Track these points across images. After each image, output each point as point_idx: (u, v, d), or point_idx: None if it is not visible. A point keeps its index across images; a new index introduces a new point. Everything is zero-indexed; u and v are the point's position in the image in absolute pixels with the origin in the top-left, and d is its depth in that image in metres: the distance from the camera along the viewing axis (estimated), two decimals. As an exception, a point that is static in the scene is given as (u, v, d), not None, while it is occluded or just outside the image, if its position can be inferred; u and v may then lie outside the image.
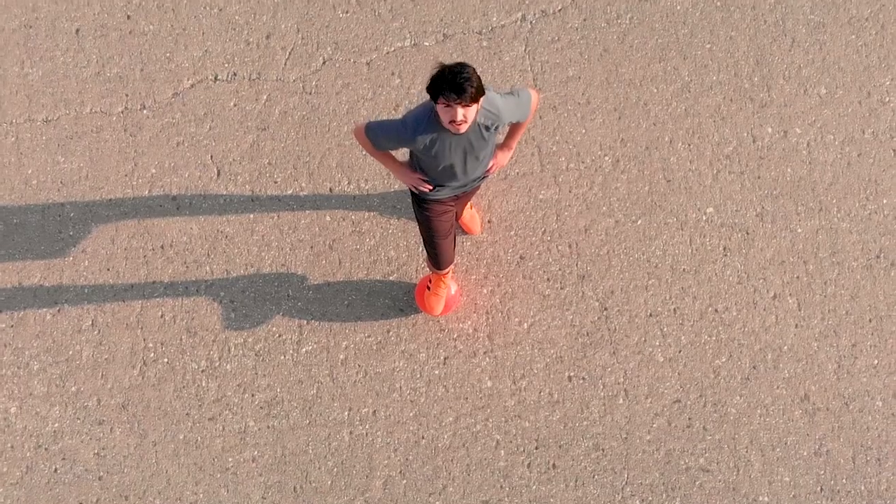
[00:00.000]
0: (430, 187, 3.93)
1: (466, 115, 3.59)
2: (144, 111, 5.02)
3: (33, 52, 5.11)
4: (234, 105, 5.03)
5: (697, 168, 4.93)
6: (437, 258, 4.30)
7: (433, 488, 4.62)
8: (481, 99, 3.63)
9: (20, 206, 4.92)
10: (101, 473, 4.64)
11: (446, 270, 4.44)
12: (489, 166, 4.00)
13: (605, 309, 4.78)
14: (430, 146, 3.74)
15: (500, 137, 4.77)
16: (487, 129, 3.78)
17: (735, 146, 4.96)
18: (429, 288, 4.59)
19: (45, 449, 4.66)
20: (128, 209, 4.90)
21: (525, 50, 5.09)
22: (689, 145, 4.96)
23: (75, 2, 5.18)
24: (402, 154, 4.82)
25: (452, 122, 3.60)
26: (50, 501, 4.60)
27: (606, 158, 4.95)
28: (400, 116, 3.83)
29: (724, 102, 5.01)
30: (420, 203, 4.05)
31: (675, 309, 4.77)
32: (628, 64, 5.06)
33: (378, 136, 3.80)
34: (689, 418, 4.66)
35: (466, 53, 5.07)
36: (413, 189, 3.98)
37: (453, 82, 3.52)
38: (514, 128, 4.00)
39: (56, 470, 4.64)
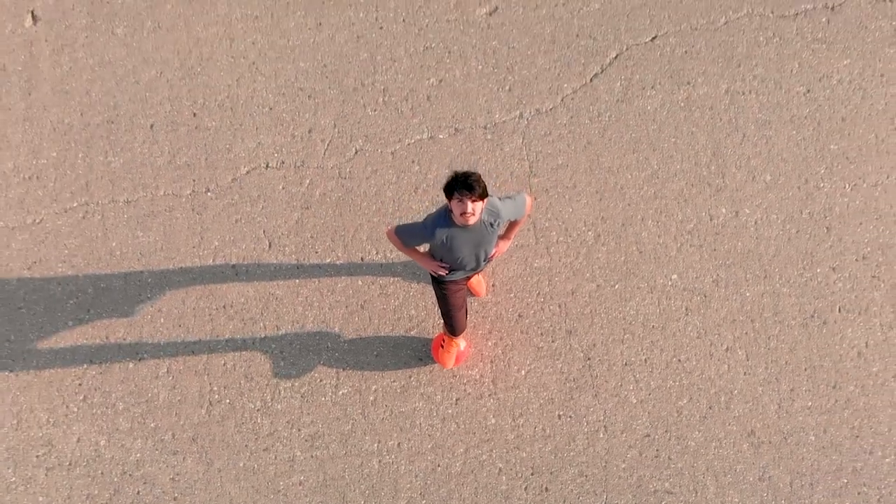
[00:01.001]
0: (447, 271, 4.96)
1: (474, 209, 4.60)
2: (209, 193, 6.07)
3: (115, 144, 6.16)
4: (282, 188, 6.08)
5: (664, 241, 5.98)
6: (452, 327, 5.34)
7: (447, 507, 5.66)
8: (485, 200, 4.65)
9: (106, 273, 5.96)
10: (176, 495, 5.66)
11: (460, 338, 5.47)
12: (492, 253, 5.04)
13: (589, 359, 5.82)
14: (447, 242, 4.77)
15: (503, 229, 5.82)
16: (491, 225, 4.81)
17: (695, 223, 6.01)
18: (442, 346, 5.63)
19: (129, 475, 5.69)
20: (195, 275, 5.95)
21: (522, 142, 6.14)
22: (658, 222, 6.01)
23: (149, 101, 6.24)
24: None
25: (463, 213, 4.60)
26: (132, 517, 5.63)
27: (589, 233, 6.00)
28: (420, 220, 4.84)
29: (687, 187, 6.07)
30: (439, 283, 5.10)
31: (645, 359, 5.81)
32: (608, 154, 6.12)
33: (405, 237, 4.83)
34: (657, 450, 5.69)
35: (474, 144, 6.12)
36: (433, 273, 5.02)
37: (464, 182, 4.54)
38: (512, 224, 5.04)
39: (139, 492, 5.67)
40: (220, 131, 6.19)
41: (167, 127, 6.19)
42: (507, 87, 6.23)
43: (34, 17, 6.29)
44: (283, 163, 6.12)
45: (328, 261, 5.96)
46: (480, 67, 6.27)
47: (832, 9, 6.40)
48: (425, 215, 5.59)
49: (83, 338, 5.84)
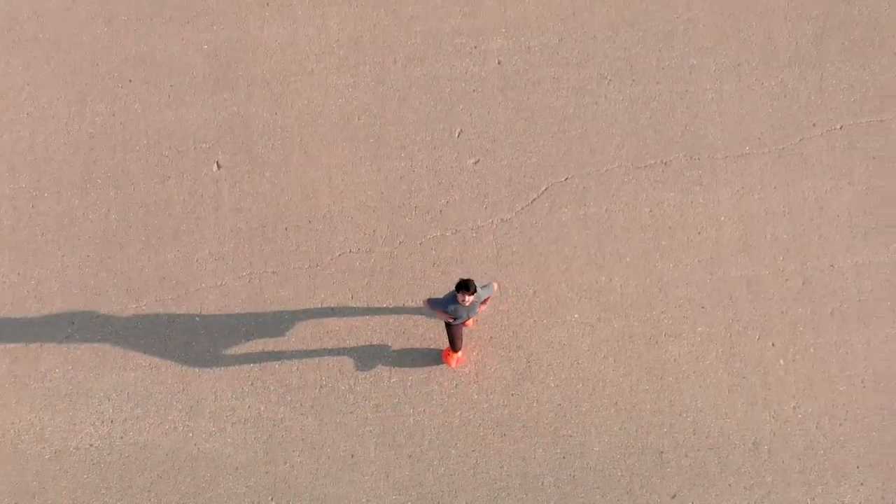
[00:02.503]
0: (453, 319, 9.69)
1: (469, 299, 9.28)
2: (317, 267, 10.80)
3: (269, 241, 10.89)
4: (359, 264, 10.80)
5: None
6: (454, 346, 10.09)
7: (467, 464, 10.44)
8: (475, 293, 9.36)
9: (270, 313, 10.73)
10: (304, 437, 10.46)
11: (460, 355, 10.25)
12: (477, 312, 9.78)
13: (529, 362, 10.55)
14: (455, 310, 9.47)
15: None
16: (475, 300, 9.53)
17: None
18: (448, 355, 10.40)
19: (276, 425, 10.50)
20: (313, 326, 10.72)
21: (493, 238, 10.84)
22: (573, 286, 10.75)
23: (286, 210, 10.95)
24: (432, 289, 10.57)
25: (463, 300, 9.30)
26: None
27: (530, 290, 10.70)
28: (442, 297, 9.54)
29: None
30: (448, 325, 9.84)
31: (565, 365, 10.58)
32: (542, 240, 10.82)
33: (433, 304, 9.54)
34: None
35: (466, 240, 10.79)
36: (446, 320, 9.75)
37: (465, 286, 9.23)
38: (486, 299, 9.76)
39: (282, 436, 10.48)
40: (323, 232, 10.91)
41: (302, 228, 10.89)
42: (485, 206, 10.93)
43: (218, 165, 10.99)
44: (366, 250, 10.83)
45: (389, 305, 10.68)
46: (469, 194, 10.96)
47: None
48: (445, 292, 10.29)
49: (253, 349, 10.61)
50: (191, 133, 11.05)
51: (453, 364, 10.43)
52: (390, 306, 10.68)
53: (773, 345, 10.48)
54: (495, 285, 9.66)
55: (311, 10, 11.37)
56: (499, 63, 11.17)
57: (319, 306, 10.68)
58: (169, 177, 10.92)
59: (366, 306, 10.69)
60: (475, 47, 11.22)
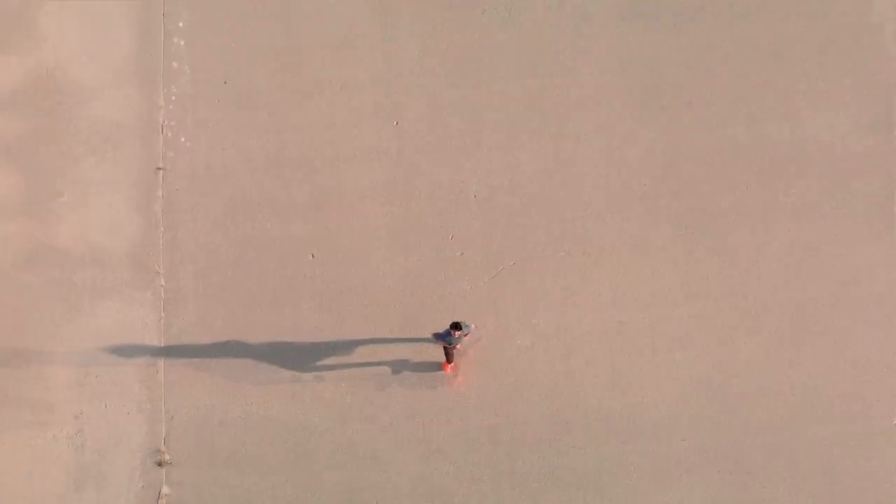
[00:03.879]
0: (448, 344, 16.92)
1: (459, 333, 16.56)
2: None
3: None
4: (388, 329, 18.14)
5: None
6: (449, 361, 17.31)
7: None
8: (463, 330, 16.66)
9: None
10: (349, 434, 17.63)
11: (453, 364, 17.51)
12: (462, 340, 17.02)
13: (503, 374, 17.76)
14: (450, 339, 16.66)
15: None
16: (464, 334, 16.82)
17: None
18: (445, 366, 17.66)
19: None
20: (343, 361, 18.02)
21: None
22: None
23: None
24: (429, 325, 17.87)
25: (454, 334, 16.51)
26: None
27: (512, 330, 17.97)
28: (442, 331, 16.76)
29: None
30: (445, 348, 17.10)
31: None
32: (499, 307, 18.13)
33: (437, 336, 16.77)
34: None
35: (455, 306, 18.04)
36: (444, 345, 17.00)
37: (456, 325, 16.48)
38: (467, 333, 17.03)
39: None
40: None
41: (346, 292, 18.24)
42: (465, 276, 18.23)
43: (313, 255, 18.33)
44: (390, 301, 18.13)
45: (407, 335, 17.91)
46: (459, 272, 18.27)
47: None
48: (445, 328, 17.37)
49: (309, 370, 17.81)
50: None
51: (448, 370, 17.60)
52: (408, 336, 17.82)
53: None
54: (472, 325, 16.94)
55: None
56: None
57: (348, 339, 17.85)
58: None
59: (392, 336, 17.84)
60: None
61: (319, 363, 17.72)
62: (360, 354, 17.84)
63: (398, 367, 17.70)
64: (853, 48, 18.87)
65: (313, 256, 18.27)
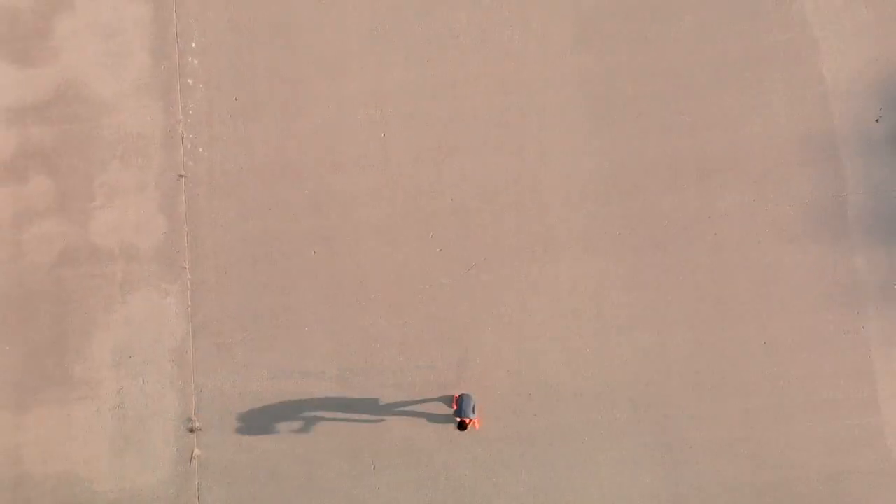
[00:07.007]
0: (458, 416, 20.27)
1: (470, 404, 19.90)
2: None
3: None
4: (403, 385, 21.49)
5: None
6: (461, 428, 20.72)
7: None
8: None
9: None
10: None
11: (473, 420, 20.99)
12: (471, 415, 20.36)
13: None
14: (463, 411, 20.06)
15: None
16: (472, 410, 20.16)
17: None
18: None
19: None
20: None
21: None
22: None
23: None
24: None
25: (468, 421, 19.90)
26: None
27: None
28: (458, 407, 20.09)
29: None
30: (457, 416, 20.46)
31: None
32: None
33: (457, 403, 20.11)
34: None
35: (436, 295, 21.33)
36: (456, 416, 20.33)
37: (468, 396, 19.81)
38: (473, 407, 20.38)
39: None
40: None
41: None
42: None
43: (314, 252, 21.52)
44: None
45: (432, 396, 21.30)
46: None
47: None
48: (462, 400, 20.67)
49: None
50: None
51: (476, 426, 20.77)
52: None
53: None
54: (473, 396, 20.15)
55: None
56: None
57: (344, 322, 21.24)
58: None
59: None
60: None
61: (321, 344, 21.10)
62: (355, 334, 21.22)
63: (387, 342, 21.08)
64: (790, 63, 21.52)
65: (315, 252, 21.45)
